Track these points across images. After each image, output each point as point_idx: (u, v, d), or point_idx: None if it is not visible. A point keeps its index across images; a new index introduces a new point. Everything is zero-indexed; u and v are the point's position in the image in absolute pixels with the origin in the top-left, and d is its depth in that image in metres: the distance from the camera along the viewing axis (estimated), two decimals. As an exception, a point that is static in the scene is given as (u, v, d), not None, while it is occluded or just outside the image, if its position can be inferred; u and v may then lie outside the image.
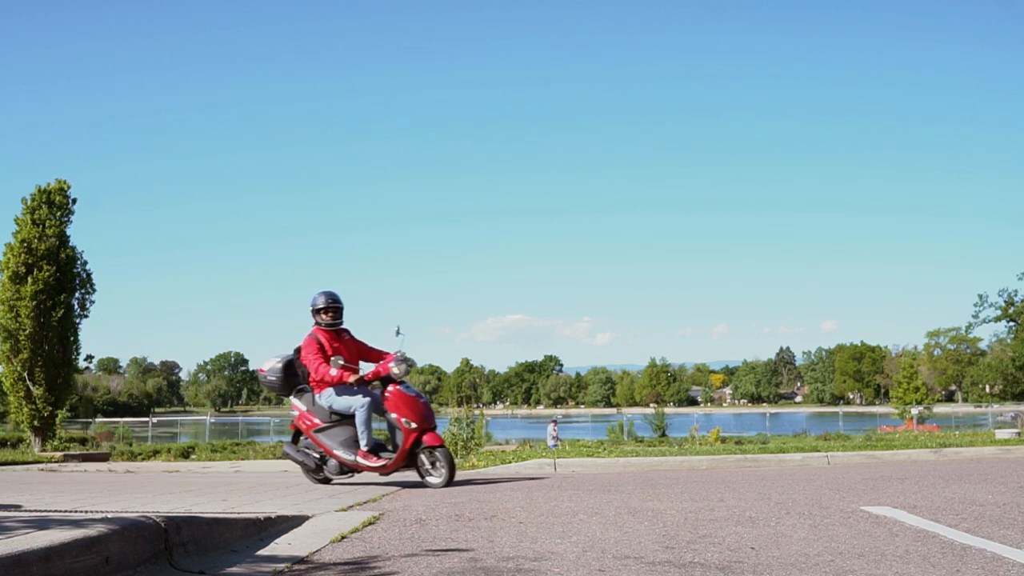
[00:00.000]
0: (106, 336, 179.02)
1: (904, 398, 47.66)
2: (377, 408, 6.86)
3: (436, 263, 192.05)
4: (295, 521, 4.46)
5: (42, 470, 11.27)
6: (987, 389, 79.96)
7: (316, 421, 7.02)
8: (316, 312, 7.11)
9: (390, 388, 6.77)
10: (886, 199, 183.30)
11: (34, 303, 20.04)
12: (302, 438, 7.23)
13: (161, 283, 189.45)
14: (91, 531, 2.77)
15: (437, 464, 6.74)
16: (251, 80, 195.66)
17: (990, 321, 61.64)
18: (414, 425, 6.65)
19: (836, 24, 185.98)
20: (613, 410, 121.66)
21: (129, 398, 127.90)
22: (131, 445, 23.51)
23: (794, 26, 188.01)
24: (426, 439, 6.69)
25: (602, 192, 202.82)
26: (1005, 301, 59.73)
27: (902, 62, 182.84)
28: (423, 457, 6.75)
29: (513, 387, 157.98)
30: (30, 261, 20.23)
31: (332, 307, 7.07)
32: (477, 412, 15.99)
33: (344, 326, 7.23)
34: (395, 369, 6.78)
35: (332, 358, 6.83)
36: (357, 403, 6.80)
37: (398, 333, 7.11)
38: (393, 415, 6.73)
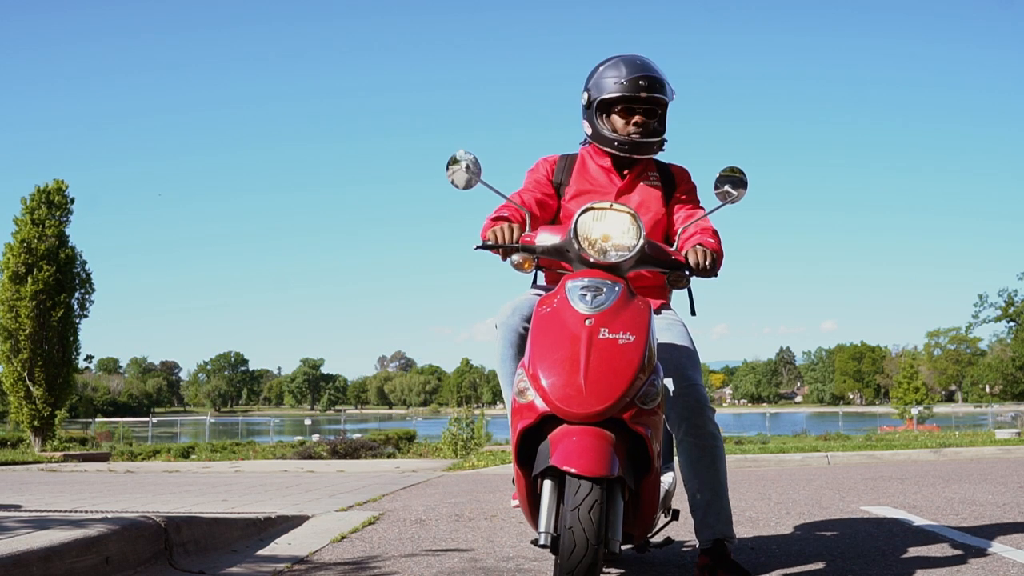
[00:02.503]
0: (106, 336, 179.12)
1: (904, 398, 47.62)
2: None
3: (436, 263, 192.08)
4: (295, 521, 4.46)
5: (42, 470, 11.27)
6: (987, 389, 79.89)
7: None
8: (590, 108, 2.89)
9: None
10: (886, 199, 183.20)
11: (34, 303, 20.07)
12: None
13: (161, 283, 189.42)
14: (91, 531, 2.77)
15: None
16: (251, 80, 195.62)
17: (990, 321, 61.61)
18: (530, 395, 2.32)
19: (836, 24, 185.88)
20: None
21: (129, 398, 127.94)
22: (131, 445, 23.49)
23: (794, 26, 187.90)
24: (556, 452, 2.21)
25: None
26: (1005, 301, 59.69)
27: (902, 62, 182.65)
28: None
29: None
30: (30, 261, 20.26)
31: (632, 95, 2.80)
32: (477, 412, 16.01)
33: (671, 163, 3.06)
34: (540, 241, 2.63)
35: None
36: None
37: None
38: None
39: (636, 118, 2.82)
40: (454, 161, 2.65)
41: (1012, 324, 61.03)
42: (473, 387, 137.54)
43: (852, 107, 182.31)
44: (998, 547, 3.33)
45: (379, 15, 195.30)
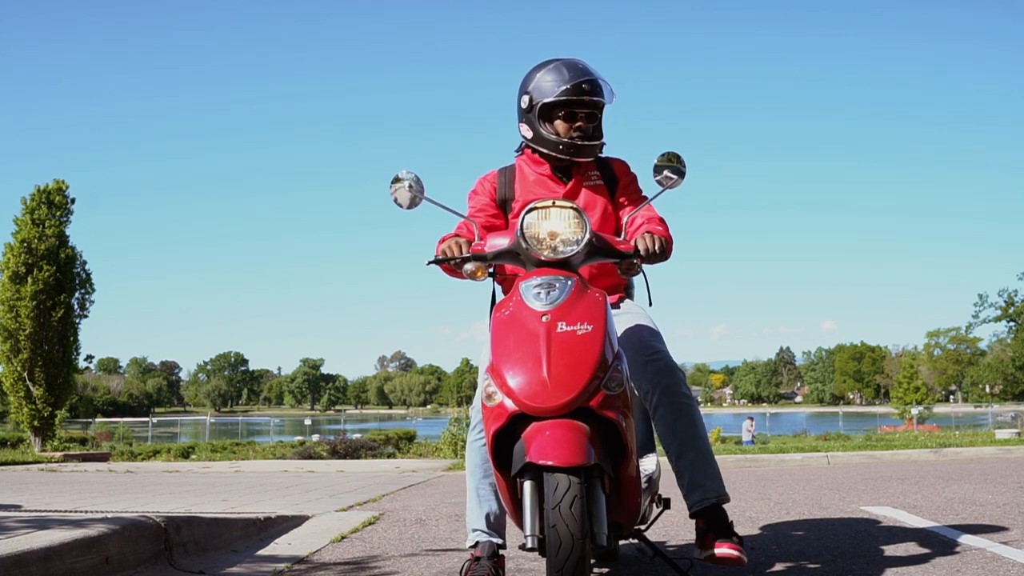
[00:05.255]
0: (106, 336, 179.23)
1: (904, 398, 47.62)
2: None
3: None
4: (295, 521, 4.46)
5: (42, 470, 11.28)
6: (987, 389, 79.89)
7: None
8: (531, 112, 2.84)
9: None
10: (886, 199, 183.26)
11: (34, 303, 20.07)
12: None
13: (161, 283, 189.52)
14: (91, 531, 2.77)
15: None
16: (251, 81, 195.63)
17: (990, 321, 61.55)
18: (499, 397, 2.33)
19: (836, 24, 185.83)
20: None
21: (129, 398, 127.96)
22: (131, 445, 23.51)
23: (793, 26, 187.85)
24: (532, 448, 2.23)
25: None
26: (1005, 301, 59.64)
27: (902, 62, 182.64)
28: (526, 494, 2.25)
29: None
30: (30, 261, 20.27)
31: (576, 99, 2.77)
32: (477, 412, 15.96)
33: (608, 156, 3.02)
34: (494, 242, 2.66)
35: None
36: None
37: None
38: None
39: (578, 122, 2.81)
40: (396, 180, 2.69)
41: (1012, 324, 60.97)
42: (473, 387, 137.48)
43: (852, 107, 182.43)
44: (998, 547, 3.33)
45: (377, 16, 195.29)
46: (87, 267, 21.65)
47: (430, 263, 2.69)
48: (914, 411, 39.79)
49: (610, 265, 2.69)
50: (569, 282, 2.43)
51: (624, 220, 2.83)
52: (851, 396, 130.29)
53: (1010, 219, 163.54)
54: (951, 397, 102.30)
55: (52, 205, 21.00)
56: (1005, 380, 71.67)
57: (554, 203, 2.52)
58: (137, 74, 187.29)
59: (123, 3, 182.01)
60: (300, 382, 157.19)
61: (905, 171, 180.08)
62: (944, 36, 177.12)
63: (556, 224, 2.49)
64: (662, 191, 2.72)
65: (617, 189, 2.96)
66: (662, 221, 2.85)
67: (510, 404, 2.28)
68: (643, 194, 2.99)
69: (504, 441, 2.33)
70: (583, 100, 2.77)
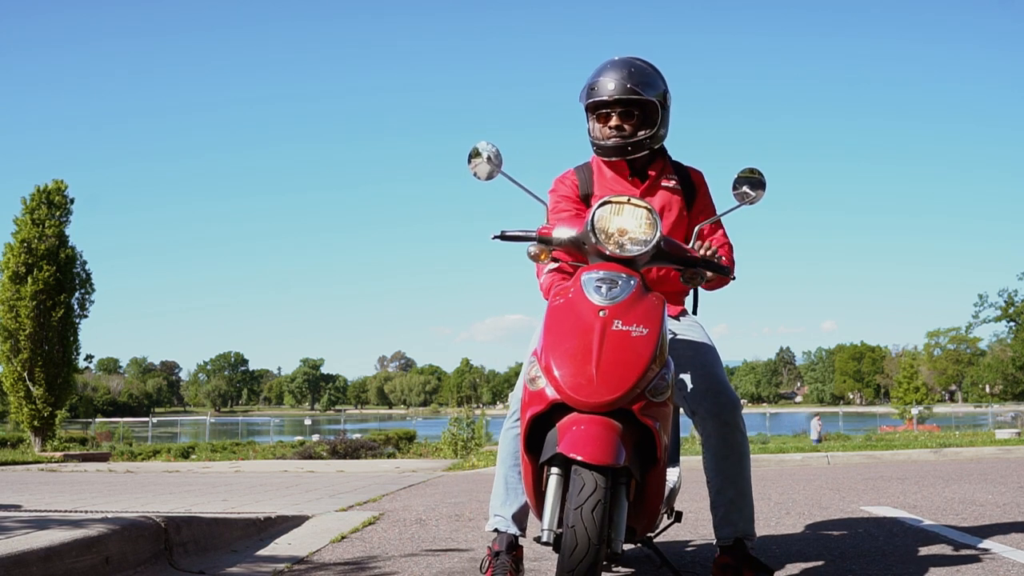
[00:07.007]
0: (106, 336, 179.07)
1: (904, 398, 47.63)
2: None
3: (436, 263, 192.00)
4: (295, 521, 4.46)
5: (42, 470, 11.29)
6: (987, 389, 79.87)
7: None
8: (589, 111, 2.87)
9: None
10: (886, 199, 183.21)
11: (34, 303, 20.09)
12: None
13: (161, 283, 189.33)
14: (91, 531, 2.77)
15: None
16: (251, 80, 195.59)
17: (990, 321, 61.51)
18: (542, 383, 2.32)
19: (836, 24, 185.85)
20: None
21: (129, 398, 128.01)
22: (131, 445, 23.51)
23: (793, 26, 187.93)
24: (564, 440, 2.21)
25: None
26: (1005, 301, 59.62)
27: (902, 62, 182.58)
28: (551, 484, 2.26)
29: (513, 387, 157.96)
30: (30, 261, 20.29)
31: (617, 99, 2.77)
32: (477, 412, 16.02)
33: (668, 158, 2.98)
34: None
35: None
36: None
37: None
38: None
39: (612, 120, 2.78)
40: (476, 154, 2.67)
41: (1012, 324, 60.97)
42: (473, 387, 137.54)
43: (851, 107, 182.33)
44: (998, 547, 3.33)
45: (377, 16, 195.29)
46: (87, 267, 21.71)
47: (495, 238, 2.65)
48: (914, 411, 39.81)
49: (674, 273, 2.67)
50: (632, 281, 2.41)
51: (695, 229, 2.72)
52: (851, 396, 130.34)
53: (1010, 219, 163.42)
54: (951, 397, 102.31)
55: (52, 205, 21.02)
56: (1005, 380, 71.70)
57: (629, 200, 2.48)
58: (137, 74, 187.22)
59: (123, 3, 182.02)
60: (300, 382, 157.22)
61: (905, 171, 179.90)
62: (944, 36, 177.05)
63: (627, 221, 2.46)
64: (738, 206, 2.67)
65: (696, 199, 2.93)
66: (730, 249, 2.86)
67: (551, 392, 2.26)
68: (715, 210, 2.95)
69: (538, 427, 2.31)
70: (605, 100, 2.75)
